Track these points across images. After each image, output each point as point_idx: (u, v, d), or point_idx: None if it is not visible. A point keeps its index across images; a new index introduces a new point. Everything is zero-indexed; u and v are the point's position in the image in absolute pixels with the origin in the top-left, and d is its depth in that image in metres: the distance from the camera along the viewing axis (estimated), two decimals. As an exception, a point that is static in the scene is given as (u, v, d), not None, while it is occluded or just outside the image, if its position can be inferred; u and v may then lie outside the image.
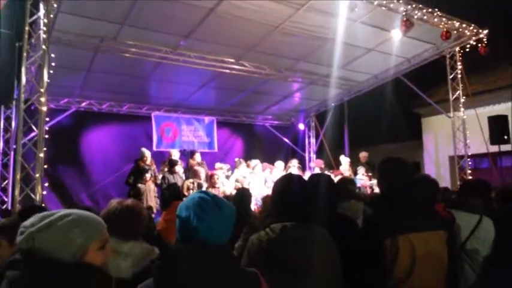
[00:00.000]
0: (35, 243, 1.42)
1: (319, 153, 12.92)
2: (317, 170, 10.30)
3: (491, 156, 9.35)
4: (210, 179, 7.72)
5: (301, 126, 12.95)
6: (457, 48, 9.14)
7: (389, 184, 2.42)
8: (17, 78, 5.85)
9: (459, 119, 9.41)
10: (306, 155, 13.05)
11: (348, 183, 3.56)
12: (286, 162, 10.09)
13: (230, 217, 1.59)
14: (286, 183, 2.31)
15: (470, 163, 9.39)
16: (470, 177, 8.91)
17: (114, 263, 2.12)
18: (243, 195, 4.36)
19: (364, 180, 9.26)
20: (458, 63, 9.23)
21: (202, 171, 7.87)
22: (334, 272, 2.14)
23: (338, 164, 11.31)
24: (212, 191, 7.37)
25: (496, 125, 8.70)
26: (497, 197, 3.37)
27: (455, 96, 9.35)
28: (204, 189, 7.20)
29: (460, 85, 9.26)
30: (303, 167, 11.14)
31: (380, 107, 13.16)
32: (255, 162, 9.34)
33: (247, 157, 10.66)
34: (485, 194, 3.24)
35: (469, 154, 9.32)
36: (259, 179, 8.68)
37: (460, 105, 9.30)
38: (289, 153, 12.72)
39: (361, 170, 9.43)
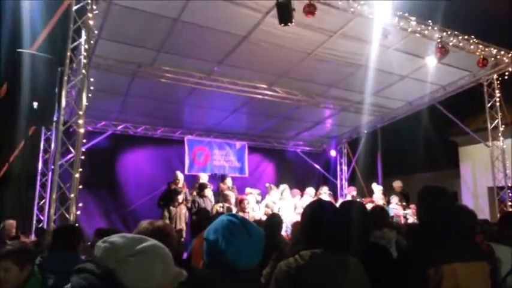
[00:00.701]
0: (121, 266, 1.25)
1: (351, 181, 12.69)
2: (349, 198, 10.10)
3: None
4: (239, 203, 7.69)
5: (332, 153, 12.81)
6: (495, 76, 8.90)
7: (429, 212, 2.34)
8: (57, 102, 6.10)
9: (498, 148, 9.06)
10: (338, 182, 12.85)
11: (380, 211, 3.44)
12: (317, 189, 9.95)
13: (259, 241, 1.56)
14: (316, 209, 2.24)
15: (510, 194, 8.97)
16: (510, 210, 8.50)
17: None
18: (274, 221, 4.30)
19: (397, 209, 8.98)
20: (497, 91, 8.96)
21: (232, 196, 7.87)
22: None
23: (370, 192, 11.07)
24: (242, 215, 7.36)
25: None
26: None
27: (493, 125, 9.03)
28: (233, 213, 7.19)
29: (499, 113, 8.95)
30: (334, 194, 10.97)
31: (415, 135, 12.88)
32: (283, 187, 9.26)
33: (278, 183, 10.54)
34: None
35: (510, 185, 8.91)
36: (289, 205, 8.58)
37: (499, 134, 8.97)
38: (321, 180, 12.57)
39: (394, 199, 9.15)
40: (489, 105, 9.09)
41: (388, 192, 9.89)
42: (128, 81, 8.28)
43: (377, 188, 9.80)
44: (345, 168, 12.95)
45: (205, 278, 1.45)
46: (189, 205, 8.01)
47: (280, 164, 12.75)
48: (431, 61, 7.84)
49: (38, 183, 8.99)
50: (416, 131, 12.50)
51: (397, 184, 9.96)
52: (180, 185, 8.43)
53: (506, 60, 8.32)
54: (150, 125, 10.78)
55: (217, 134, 11.61)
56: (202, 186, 8.06)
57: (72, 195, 5.06)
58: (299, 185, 10.90)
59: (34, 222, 8.81)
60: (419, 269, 2.10)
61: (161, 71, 8.02)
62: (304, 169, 12.83)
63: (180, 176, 8.57)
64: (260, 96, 9.19)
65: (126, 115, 10.11)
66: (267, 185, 9.42)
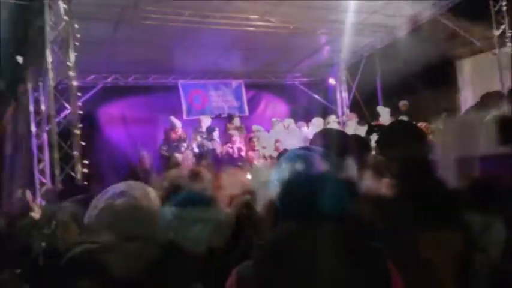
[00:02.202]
0: None
1: (352, 108, 12.45)
2: (351, 124, 9.91)
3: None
4: (248, 142, 7.47)
5: (332, 81, 12.43)
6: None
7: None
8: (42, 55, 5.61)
9: (506, 55, 8.71)
10: (339, 110, 12.59)
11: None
12: (323, 118, 9.72)
13: (343, 184, 1.27)
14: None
15: (518, 102, 8.76)
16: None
17: (203, 234, 1.91)
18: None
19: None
20: (503, -6, 8.47)
21: (235, 134, 7.63)
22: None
23: (373, 116, 10.87)
24: (252, 154, 7.17)
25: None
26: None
27: (500, 30, 8.63)
28: (243, 153, 7.00)
29: (506, 18, 8.52)
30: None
31: (413, 54, 12.47)
32: (288, 121, 9.02)
33: (279, 117, 10.37)
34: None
35: (519, 92, 8.68)
36: (297, 138, 8.38)
37: (506, 40, 8.59)
38: (322, 110, 12.30)
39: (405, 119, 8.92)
40: (496, 9, 8.62)
41: (394, 113, 9.66)
42: (112, 27, 7.71)
43: (384, 110, 9.55)
44: (345, 95, 12.63)
45: (288, 231, 1.16)
46: (196, 150, 7.78)
47: (280, 98, 12.43)
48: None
49: (34, 145, 8.66)
50: (414, 50, 12.09)
51: (404, 103, 9.75)
52: (179, 132, 8.16)
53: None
54: (140, 73, 10.29)
55: (211, 75, 11.14)
56: (210, 130, 7.79)
57: (76, 152, 4.77)
58: (302, 117, 10.67)
59: (37, 186, 8.60)
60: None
61: (146, 12, 7.44)
62: (305, 101, 12.49)
63: (178, 124, 8.27)
64: (253, 29, 8.66)
65: (114, 66, 9.59)
66: (274, 120, 9.17)
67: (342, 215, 1.19)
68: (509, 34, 8.61)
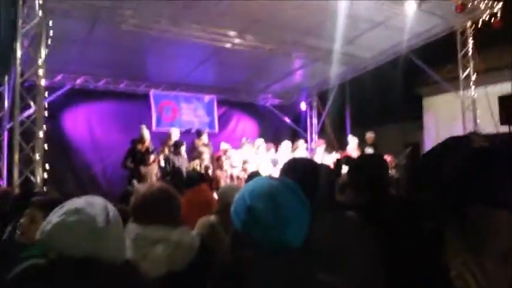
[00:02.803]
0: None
1: (321, 134, 12.64)
2: (319, 151, 10.03)
3: (501, 136, 9.13)
4: (216, 160, 7.37)
5: (303, 106, 12.59)
6: (469, 23, 8.81)
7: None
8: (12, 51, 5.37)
9: (469, 98, 9.12)
10: (308, 135, 12.73)
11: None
12: (292, 142, 9.78)
13: (308, 208, 1.25)
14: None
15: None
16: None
17: (165, 255, 1.82)
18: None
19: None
20: (470, 39, 8.90)
21: (206, 152, 7.52)
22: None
23: (340, 144, 11.06)
24: (219, 173, 7.08)
25: (507, 104, 8.45)
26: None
27: (465, 74, 9.04)
28: (210, 171, 6.90)
29: (471, 62, 8.94)
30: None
31: (381, 87, 12.88)
32: (258, 142, 9.01)
33: (248, 137, 10.31)
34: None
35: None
36: (265, 160, 8.36)
37: (471, 83, 9.00)
38: (290, 134, 12.41)
39: (369, 151, 9.14)
40: (462, 53, 9.04)
41: (360, 144, 9.87)
42: (87, 28, 7.50)
43: (353, 140, 9.71)
44: (314, 121, 12.82)
45: (247, 260, 1.11)
46: (162, 164, 7.58)
47: (250, 118, 12.46)
48: (410, 6, 7.58)
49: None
50: (384, 83, 12.48)
51: (370, 135, 9.95)
52: (147, 144, 7.94)
53: (482, 7, 8.19)
54: (112, 77, 10.04)
55: (184, 88, 11.03)
56: (178, 144, 7.62)
57: (38, 155, 4.53)
58: (270, 139, 10.72)
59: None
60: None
61: (124, 16, 7.32)
62: (275, 123, 12.63)
63: (146, 134, 8.04)
64: (229, 45, 8.68)
65: (85, 67, 9.31)
66: (244, 139, 9.13)
67: (300, 245, 1.17)
68: (473, 78, 8.98)
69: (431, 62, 11.43)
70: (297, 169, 1.97)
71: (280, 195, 1.17)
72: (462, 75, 9.12)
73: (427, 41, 9.30)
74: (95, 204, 1.30)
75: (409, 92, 13.51)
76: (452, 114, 10.54)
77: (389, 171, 2.85)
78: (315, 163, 2.16)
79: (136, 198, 2.01)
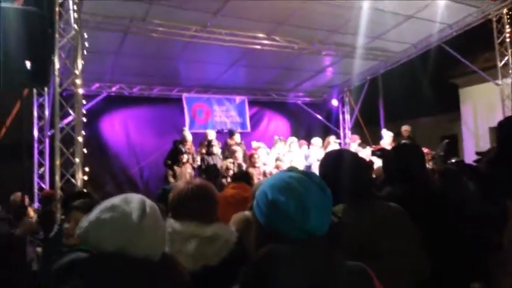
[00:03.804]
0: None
1: (354, 130, 12.50)
2: (353, 146, 9.92)
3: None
4: (249, 158, 7.46)
5: (334, 102, 12.49)
6: (505, 10, 8.50)
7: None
8: (50, 62, 5.65)
9: (509, 86, 8.78)
10: (341, 131, 12.63)
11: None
12: (323, 139, 9.73)
13: (331, 199, 1.28)
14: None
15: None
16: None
17: (198, 250, 1.88)
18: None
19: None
20: (507, 26, 8.58)
21: (239, 151, 7.64)
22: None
23: (374, 139, 10.90)
24: (252, 170, 7.15)
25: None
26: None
27: (503, 61, 8.72)
28: (243, 168, 6.99)
29: (510, 49, 8.62)
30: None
31: (416, 79, 12.58)
32: (291, 139, 9.05)
33: (281, 136, 10.35)
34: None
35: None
36: (299, 157, 8.38)
37: (510, 70, 8.67)
38: (323, 131, 12.34)
39: (405, 144, 8.94)
40: (499, 41, 8.73)
41: (396, 137, 9.69)
42: (120, 38, 7.80)
43: (387, 134, 9.56)
44: (347, 117, 12.70)
45: (276, 254, 1.13)
46: (197, 164, 7.77)
47: (281, 117, 12.49)
48: (440, -2, 7.40)
49: (36, 150, 8.68)
50: (418, 75, 12.20)
51: (406, 128, 9.76)
52: (187, 146, 8.18)
53: (518, -8, 7.90)
54: (145, 84, 10.35)
55: (215, 90, 11.22)
56: (211, 144, 7.80)
57: (77, 159, 4.77)
58: (303, 136, 10.75)
59: (36, 190, 8.59)
60: (499, 201, 1.89)
61: (154, 25, 7.54)
62: (306, 120, 12.60)
63: (188, 137, 8.29)
64: (259, 47, 8.75)
65: (119, 76, 9.68)
66: (276, 137, 9.18)
67: (326, 235, 1.20)
68: (512, 65, 8.66)
69: (466, 52, 11.10)
70: (336, 160, 2.00)
71: (301, 187, 1.20)
72: (500, 64, 8.81)
73: (461, 30, 9.03)
74: (131, 202, 1.35)
75: (444, 83, 13.14)
76: (490, 104, 10.21)
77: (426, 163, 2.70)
78: (354, 154, 2.15)
79: (174, 195, 2.09)
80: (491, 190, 2.05)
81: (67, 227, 2.48)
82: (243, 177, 4.14)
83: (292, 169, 1.33)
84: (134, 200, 1.36)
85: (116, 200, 1.36)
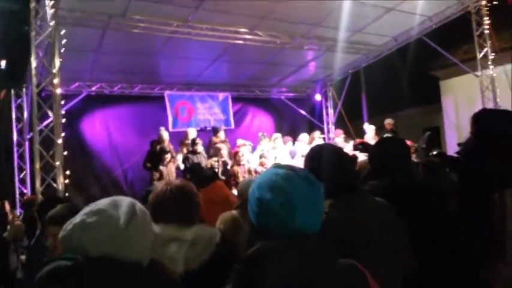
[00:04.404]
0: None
1: (338, 124, 12.54)
2: (338, 140, 9.96)
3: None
4: (234, 156, 7.40)
5: (317, 97, 12.51)
6: (483, 2, 8.60)
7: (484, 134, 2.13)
8: (26, 61, 5.51)
9: (488, 77, 8.91)
10: (325, 126, 12.66)
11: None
12: (308, 134, 9.74)
13: (323, 195, 1.25)
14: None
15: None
16: None
17: (179, 254, 1.82)
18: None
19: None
20: (486, 18, 8.69)
21: (224, 148, 7.57)
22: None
23: (358, 133, 10.96)
24: (237, 168, 7.12)
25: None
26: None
27: (482, 53, 8.84)
28: (229, 167, 6.95)
29: (488, 41, 8.74)
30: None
31: (397, 72, 12.70)
32: (276, 135, 9.03)
33: (265, 132, 10.32)
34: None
35: (500, 114, 8.85)
36: (283, 153, 8.36)
37: (489, 62, 8.79)
38: (307, 126, 12.36)
39: (389, 137, 9.00)
40: (477, 33, 8.84)
41: (379, 131, 9.76)
42: (99, 35, 7.62)
43: (369, 128, 9.60)
44: (331, 111, 12.73)
45: (266, 250, 1.12)
46: (178, 163, 7.67)
47: (265, 113, 12.46)
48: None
49: (16, 154, 8.47)
50: (399, 68, 12.31)
51: (389, 122, 9.84)
52: (166, 145, 8.07)
53: (496, -16, 8.00)
54: (126, 82, 10.16)
55: (198, 87, 11.10)
56: (195, 142, 7.70)
57: (58, 162, 4.64)
58: (287, 132, 10.75)
59: (17, 196, 8.39)
60: (484, 194, 1.89)
61: (134, 21, 7.38)
62: (290, 116, 12.59)
63: (165, 135, 8.17)
64: (241, 42, 8.67)
65: (100, 74, 9.47)
66: (260, 134, 9.14)
67: (317, 232, 1.17)
68: (491, 57, 8.78)
69: (446, 44, 11.23)
70: (319, 155, 1.98)
71: (286, 183, 1.18)
72: (479, 55, 8.92)
73: (441, 23, 9.10)
74: (119, 206, 1.29)
75: (425, 76, 13.29)
76: (470, 95, 10.34)
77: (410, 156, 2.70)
78: (338, 149, 2.14)
79: (153, 196, 2.02)
80: (472, 183, 2.05)
81: (47, 244, 2.39)
82: (211, 177, 4.07)
83: (279, 165, 1.30)
84: (123, 204, 1.31)
85: (103, 203, 1.30)
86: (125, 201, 1.32)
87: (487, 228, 1.91)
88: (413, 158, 7.46)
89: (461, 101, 11.77)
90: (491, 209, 1.87)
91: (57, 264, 1.30)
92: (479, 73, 8.97)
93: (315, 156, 2.01)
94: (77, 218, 1.26)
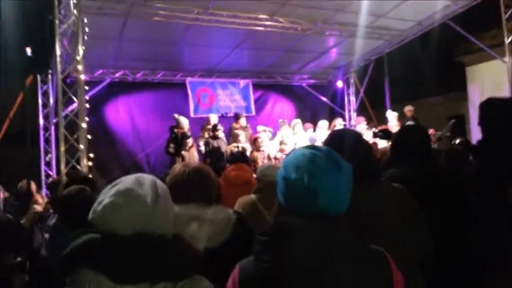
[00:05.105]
0: None
1: (359, 111, 12.40)
2: (360, 128, 9.87)
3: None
4: (254, 142, 7.45)
5: (339, 84, 12.37)
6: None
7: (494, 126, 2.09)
8: (51, 49, 5.65)
9: (516, 63, 8.65)
10: (346, 113, 12.54)
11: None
12: (329, 121, 9.69)
13: (350, 177, 1.26)
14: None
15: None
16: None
17: (200, 232, 1.88)
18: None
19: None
20: (515, 1, 8.41)
21: (242, 134, 7.62)
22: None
23: (380, 120, 10.83)
24: (257, 154, 7.16)
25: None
26: None
27: (511, 38, 8.56)
28: (248, 153, 6.98)
29: (517, 26, 8.47)
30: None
31: (421, 59, 12.40)
32: (295, 121, 9.02)
33: (286, 118, 10.33)
34: None
35: (528, 100, 8.60)
36: (303, 139, 8.35)
37: (517, 48, 8.53)
38: (328, 113, 12.28)
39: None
40: (506, 17, 8.56)
41: (401, 118, 9.62)
42: (121, 23, 7.72)
43: (392, 115, 9.48)
44: (352, 98, 12.57)
45: (289, 227, 1.16)
46: (202, 148, 7.78)
47: (287, 100, 12.41)
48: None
49: (42, 138, 8.74)
50: (423, 54, 12.02)
51: (409, 109, 9.68)
52: (184, 130, 8.16)
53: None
54: (149, 69, 10.30)
55: (219, 74, 11.14)
56: (216, 128, 7.78)
57: (82, 145, 4.78)
58: (308, 119, 10.70)
59: (43, 178, 8.68)
60: (500, 187, 1.86)
61: (155, 9, 7.45)
62: (312, 102, 12.51)
63: (184, 121, 8.22)
64: (262, 28, 8.64)
65: (123, 61, 9.63)
66: (280, 120, 9.15)
67: (342, 213, 1.19)
68: (520, 42, 8.51)
69: (473, 29, 10.89)
70: (339, 140, 1.99)
71: (311, 164, 1.19)
72: (508, 40, 8.64)
73: (467, 6, 8.83)
74: (144, 184, 1.33)
75: (450, 62, 12.95)
76: (498, 82, 10.05)
77: (431, 144, 2.68)
78: (357, 134, 2.14)
79: (170, 178, 2.08)
80: (488, 174, 2.03)
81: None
82: (239, 158, 4.14)
83: (308, 146, 1.32)
84: (146, 182, 1.35)
85: (128, 182, 1.33)
86: (147, 178, 1.37)
87: (501, 220, 1.90)
88: (436, 146, 7.35)
89: (488, 88, 11.44)
90: (505, 201, 1.86)
91: (88, 238, 1.31)
92: (507, 59, 8.70)
93: (334, 141, 2.03)
94: (106, 199, 1.28)
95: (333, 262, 1.11)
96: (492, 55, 9.43)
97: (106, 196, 1.29)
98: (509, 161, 1.92)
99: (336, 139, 2.02)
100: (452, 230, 2.03)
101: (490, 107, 2.18)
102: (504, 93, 9.07)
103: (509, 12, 8.56)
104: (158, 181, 1.39)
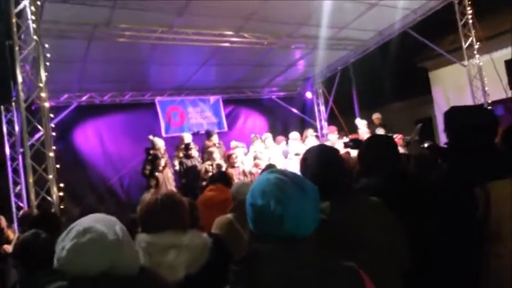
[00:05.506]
0: None
1: (330, 120, 12.58)
2: (332, 137, 10.00)
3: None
4: (228, 158, 7.43)
5: (308, 95, 12.52)
6: (466, -8, 8.69)
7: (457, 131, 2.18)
8: (12, 77, 5.50)
9: (475, 67, 8.99)
10: (317, 123, 12.70)
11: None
12: (300, 133, 9.76)
13: (316, 199, 1.26)
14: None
15: (490, 111, 9.02)
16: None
17: (178, 260, 1.85)
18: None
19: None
20: (468, 8, 8.77)
21: (216, 152, 7.59)
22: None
23: (351, 128, 11.00)
24: (232, 171, 7.13)
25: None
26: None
27: (468, 43, 8.91)
28: (223, 169, 6.96)
29: (472, 31, 8.81)
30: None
31: (385, 66, 12.75)
32: (266, 135, 9.06)
33: (258, 132, 10.37)
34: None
35: (489, 102, 8.95)
36: (276, 153, 8.39)
37: (475, 52, 8.88)
38: (300, 124, 12.39)
39: (380, 131, 9.06)
40: (462, 23, 8.91)
41: (370, 126, 9.81)
42: (85, 46, 7.62)
43: (361, 123, 9.66)
44: (322, 108, 12.76)
45: (259, 254, 1.15)
46: (176, 168, 7.68)
47: (258, 113, 12.48)
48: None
49: (10, 168, 8.45)
50: (387, 62, 12.36)
51: (377, 116, 9.91)
52: (161, 151, 8.07)
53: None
54: (116, 91, 10.14)
55: (188, 92, 11.09)
56: (188, 147, 7.72)
57: (51, 176, 4.64)
58: (280, 130, 10.77)
59: (14, 210, 8.37)
60: (467, 189, 1.93)
61: (119, 30, 7.40)
62: (283, 114, 12.60)
63: (159, 143, 8.11)
64: (228, 44, 8.70)
65: (89, 84, 9.45)
66: (252, 135, 9.17)
67: (311, 235, 1.19)
68: (477, 46, 8.86)
69: (432, 35, 11.30)
70: (314, 157, 2.03)
71: (276, 189, 1.19)
72: (465, 45, 8.99)
73: (425, 15, 9.16)
74: (100, 220, 1.33)
75: (413, 68, 13.38)
76: (460, 85, 10.42)
77: (399, 150, 2.74)
78: (331, 150, 2.17)
79: (142, 208, 2.04)
80: (455, 178, 2.10)
81: None
82: (219, 178, 4.11)
83: (271, 168, 1.32)
84: (102, 219, 1.35)
85: (85, 221, 1.32)
86: (101, 215, 1.37)
87: (469, 223, 1.95)
88: (405, 151, 7.52)
89: (451, 90, 11.86)
90: (474, 201, 1.92)
91: (57, 286, 1.30)
92: (466, 63, 9.04)
93: (309, 158, 2.05)
94: (67, 244, 1.26)
95: (303, 285, 1.11)
96: (452, 60, 9.77)
97: (66, 241, 1.27)
98: (472, 167, 1.99)
99: (312, 156, 2.05)
100: (424, 237, 2.07)
101: (453, 116, 2.25)
102: (466, 94, 9.42)
103: (464, 19, 8.91)
104: (112, 217, 1.39)
